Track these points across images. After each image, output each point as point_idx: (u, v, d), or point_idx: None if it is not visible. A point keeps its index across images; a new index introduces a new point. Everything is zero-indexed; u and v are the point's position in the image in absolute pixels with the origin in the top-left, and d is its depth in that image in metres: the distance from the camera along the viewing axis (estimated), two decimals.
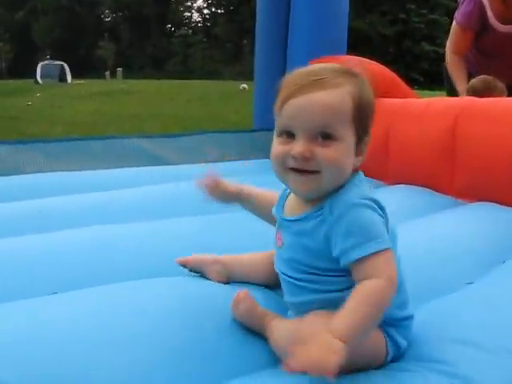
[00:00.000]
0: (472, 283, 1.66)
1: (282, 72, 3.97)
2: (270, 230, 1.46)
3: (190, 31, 49.77)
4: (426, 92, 15.28)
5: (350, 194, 1.16)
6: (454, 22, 3.84)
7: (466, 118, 2.66)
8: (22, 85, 23.01)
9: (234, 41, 45.85)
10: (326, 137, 1.14)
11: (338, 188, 1.18)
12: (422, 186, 2.75)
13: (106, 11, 49.88)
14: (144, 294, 1.43)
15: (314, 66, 1.23)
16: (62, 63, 29.50)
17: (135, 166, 3.10)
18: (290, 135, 1.17)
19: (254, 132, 3.70)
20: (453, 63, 3.86)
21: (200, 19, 52.41)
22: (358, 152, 1.19)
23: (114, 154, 3.09)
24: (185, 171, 3.12)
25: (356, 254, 1.12)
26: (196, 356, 1.24)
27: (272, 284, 1.51)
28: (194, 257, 1.57)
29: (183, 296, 1.43)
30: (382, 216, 1.17)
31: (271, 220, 1.41)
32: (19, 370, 1.11)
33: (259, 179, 3.07)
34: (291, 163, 1.16)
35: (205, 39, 47.50)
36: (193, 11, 52.61)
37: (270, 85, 3.95)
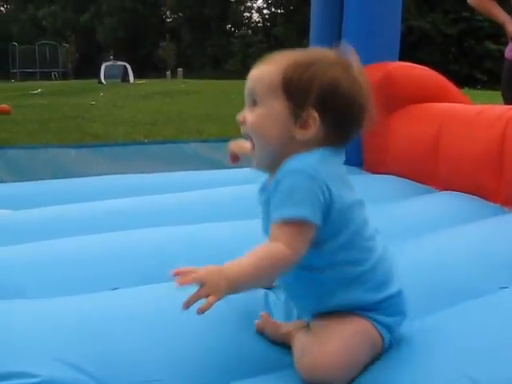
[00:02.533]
0: (506, 288, 1.71)
1: None
2: None
3: (250, 31, 50.01)
4: (490, 92, 14.91)
5: (292, 161, 1.24)
6: None
7: None
8: (87, 85, 23.69)
9: (294, 41, 45.76)
10: (254, 103, 1.31)
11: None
12: (470, 193, 2.80)
13: (168, 12, 50.73)
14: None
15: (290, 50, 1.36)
16: (125, 64, 30.18)
17: (195, 169, 3.25)
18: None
19: None
20: (481, 0, 3.83)
21: (260, 19, 52.64)
22: (301, 125, 1.27)
23: (173, 157, 3.25)
24: (240, 174, 3.27)
25: (272, 217, 1.22)
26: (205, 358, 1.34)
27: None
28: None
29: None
30: (317, 185, 1.20)
31: None
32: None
33: None
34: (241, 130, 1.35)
35: (264, 39, 47.66)
36: (253, 11, 52.86)
37: None
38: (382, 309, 1.30)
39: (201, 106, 14.46)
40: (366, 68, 3.56)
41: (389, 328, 1.32)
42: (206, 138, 3.90)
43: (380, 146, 3.43)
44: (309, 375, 1.23)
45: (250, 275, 1.18)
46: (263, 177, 1.39)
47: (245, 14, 52.22)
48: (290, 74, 1.28)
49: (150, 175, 3.06)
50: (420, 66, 3.54)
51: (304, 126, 1.27)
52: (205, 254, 1.91)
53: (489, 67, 35.66)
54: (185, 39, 46.43)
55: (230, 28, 50.43)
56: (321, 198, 1.20)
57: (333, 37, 3.75)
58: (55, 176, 2.79)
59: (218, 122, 10.58)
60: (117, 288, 1.65)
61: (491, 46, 38.40)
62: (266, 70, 1.31)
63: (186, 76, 34.15)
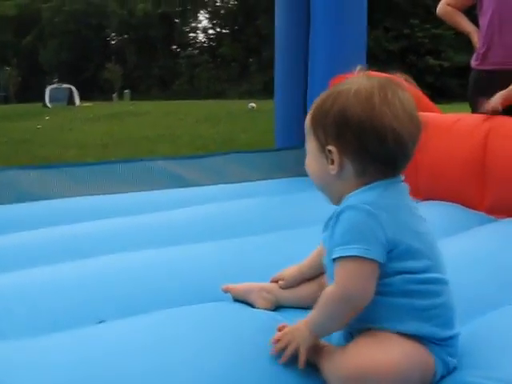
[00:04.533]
0: None
1: (303, 90, 3.97)
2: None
3: (196, 51, 50.08)
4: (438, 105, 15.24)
5: (351, 198, 1.23)
6: None
7: (497, 134, 2.65)
8: (31, 108, 23.16)
9: (240, 60, 46.09)
10: None
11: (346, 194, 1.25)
12: (452, 201, 2.73)
13: (112, 34, 50.29)
14: (188, 323, 1.41)
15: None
16: (70, 86, 29.71)
17: (162, 188, 3.09)
18: None
19: (277, 151, 3.68)
20: (448, 11, 3.83)
21: (205, 39, 52.78)
22: (330, 161, 1.26)
23: (139, 176, 3.08)
24: (213, 192, 3.13)
25: (333, 254, 1.21)
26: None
27: None
28: (241, 285, 1.56)
29: (225, 323, 1.41)
30: (376, 222, 1.18)
31: None
32: None
33: (284, 198, 3.08)
34: None
35: (210, 59, 47.77)
36: (198, 32, 52.97)
37: (290, 103, 3.98)
38: (447, 346, 1.26)
39: (151, 127, 14.31)
40: (337, 78, 3.52)
41: (447, 367, 1.26)
42: (173, 156, 3.73)
43: None
44: (355, 376, 1.15)
45: (317, 320, 1.24)
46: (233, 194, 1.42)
47: (190, 35, 52.28)
48: (315, 111, 1.30)
49: (119, 196, 2.88)
50: (390, 75, 3.47)
51: (331, 161, 1.26)
52: (187, 278, 1.78)
53: (431, 81, 36.65)
54: (130, 61, 46.08)
55: (176, 49, 50.35)
56: (380, 234, 1.18)
57: (299, 48, 3.68)
58: (17, 200, 2.57)
59: (171, 143, 10.48)
60: (103, 321, 1.47)
61: (432, 61, 39.55)
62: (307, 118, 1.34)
63: (133, 98, 33.91)
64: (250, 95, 35.19)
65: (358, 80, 1.26)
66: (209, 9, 51.95)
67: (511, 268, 1.84)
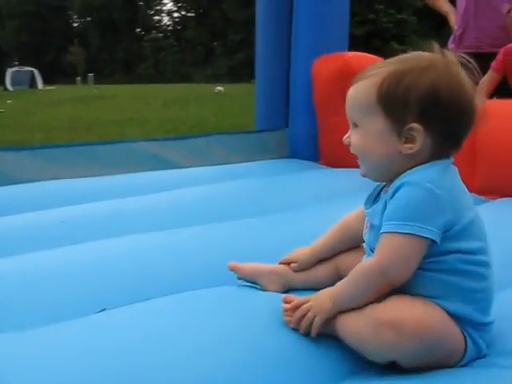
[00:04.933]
0: None
1: (285, 72, 3.89)
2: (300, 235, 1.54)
3: (161, 35, 49.44)
4: None
5: (413, 174, 1.19)
6: None
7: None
8: None
9: (205, 44, 45.71)
10: (354, 125, 1.28)
11: (406, 171, 1.21)
12: None
13: (75, 16, 49.23)
14: (197, 308, 1.35)
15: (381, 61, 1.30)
16: (32, 69, 29.06)
17: (145, 170, 3.00)
18: None
19: (259, 133, 3.62)
20: None
21: (170, 22, 52.13)
22: (406, 139, 1.20)
23: (121, 158, 2.99)
24: (197, 174, 3.06)
25: (382, 229, 1.19)
26: (261, 369, 1.16)
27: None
28: (249, 264, 1.49)
29: (240, 308, 1.35)
30: (436, 202, 1.15)
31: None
32: None
33: (266, 181, 3.03)
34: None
35: (175, 43, 47.25)
36: (163, 15, 52.31)
37: (272, 85, 3.91)
38: (483, 331, 1.23)
39: (118, 110, 14.08)
40: (321, 59, 3.46)
41: (479, 351, 1.23)
42: (155, 137, 3.63)
43: (339, 138, 3.28)
44: (391, 321, 1.13)
45: (345, 293, 1.22)
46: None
47: (155, 18, 51.56)
48: (385, 89, 1.21)
49: (101, 178, 2.78)
50: (373, 56, 3.44)
51: (409, 140, 1.21)
52: (187, 262, 1.72)
53: None
54: (94, 44, 45.24)
55: (140, 32, 49.61)
56: (439, 214, 1.15)
57: (281, 29, 3.62)
58: None
59: (140, 126, 10.32)
60: (104, 309, 1.39)
61: (396, 45, 39.81)
62: (360, 90, 1.26)
63: (97, 81, 33.33)
64: (216, 79, 34.97)
65: (417, 55, 1.24)
66: None
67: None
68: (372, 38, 40.13)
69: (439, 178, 1.17)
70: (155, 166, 3.07)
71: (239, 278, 1.49)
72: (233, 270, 1.48)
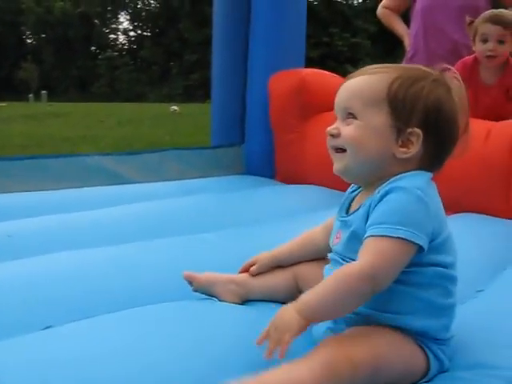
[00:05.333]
0: (482, 290, 1.64)
1: (242, 89, 3.88)
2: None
3: (116, 53, 49.09)
4: None
5: (401, 180, 1.17)
6: None
7: None
8: None
9: (161, 63, 45.59)
10: (350, 116, 1.22)
11: (392, 177, 1.19)
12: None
13: (28, 32, 48.49)
14: (147, 323, 1.30)
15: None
16: None
17: (97, 185, 2.93)
18: (336, 119, 1.28)
19: (214, 149, 3.59)
20: (385, 13, 3.93)
21: (126, 41, 51.86)
22: (402, 143, 1.20)
23: (73, 172, 2.91)
24: (149, 190, 3.00)
25: (369, 232, 1.14)
26: None
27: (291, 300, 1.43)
28: (206, 274, 1.44)
29: (193, 322, 1.31)
30: (426, 209, 1.14)
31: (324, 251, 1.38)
32: None
33: (221, 196, 2.99)
34: (329, 142, 1.27)
35: (131, 62, 46.97)
36: (118, 33, 52.00)
37: (228, 101, 3.89)
38: (445, 345, 1.22)
39: (72, 128, 13.85)
40: (278, 75, 3.46)
41: (442, 366, 1.21)
42: (108, 152, 3.56)
43: (296, 155, 3.29)
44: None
45: (320, 301, 1.11)
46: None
47: (110, 36, 51.21)
48: (396, 88, 1.21)
49: (52, 192, 2.70)
50: (330, 74, 3.47)
51: (405, 144, 1.20)
52: (139, 277, 1.66)
53: None
54: (48, 61, 44.58)
55: (96, 50, 49.17)
56: (428, 222, 1.14)
57: (238, 45, 3.61)
58: None
59: (93, 144, 10.17)
60: (50, 326, 1.32)
61: (350, 68, 40.60)
62: (368, 82, 1.23)
63: (50, 99, 32.78)
64: (171, 99, 34.83)
65: (425, 69, 1.26)
66: (130, 10, 51.11)
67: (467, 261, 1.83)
68: (326, 60, 40.80)
69: (427, 188, 1.17)
70: (108, 180, 3.00)
71: (195, 290, 1.44)
72: (188, 279, 1.43)
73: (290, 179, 3.32)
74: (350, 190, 1.36)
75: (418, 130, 1.19)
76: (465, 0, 3.46)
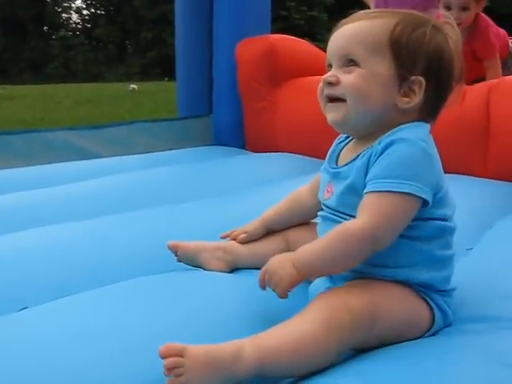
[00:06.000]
0: (472, 248, 1.63)
1: (207, 58, 3.80)
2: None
3: (70, 33, 47.93)
4: None
5: (404, 131, 1.12)
6: None
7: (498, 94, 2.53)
8: None
9: (117, 42, 44.74)
10: (351, 63, 1.15)
11: (392, 127, 1.14)
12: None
13: None
14: (130, 298, 1.24)
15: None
16: None
17: (61, 161, 2.82)
18: (330, 67, 1.21)
19: (182, 120, 3.50)
20: None
21: (79, 20, 50.62)
22: (404, 92, 1.15)
23: (36, 149, 2.79)
24: (117, 164, 2.90)
25: (371, 186, 1.09)
26: None
27: None
28: (190, 242, 1.37)
29: (180, 296, 1.25)
30: (430, 162, 1.11)
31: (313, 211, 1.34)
32: None
33: (192, 167, 2.91)
34: (324, 91, 1.19)
35: (86, 41, 45.94)
36: (71, 12, 50.71)
37: (194, 71, 3.80)
38: (448, 296, 1.20)
39: (28, 110, 13.45)
40: (245, 42, 3.38)
41: (446, 318, 1.19)
42: (72, 126, 3.44)
43: (266, 123, 3.23)
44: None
45: (320, 258, 1.07)
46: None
47: (63, 15, 49.91)
48: (399, 33, 1.15)
49: (15, 170, 2.59)
50: (299, 39, 3.40)
51: (407, 93, 1.15)
52: (122, 250, 1.60)
53: None
54: None
55: (48, 30, 47.92)
56: (432, 175, 1.11)
57: (203, 13, 3.51)
58: None
59: (52, 125, 9.91)
60: (25, 308, 1.24)
61: (309, 42, 40.51)
62: (368, 27, 1.16)
63: (3, 82, 31.95)
64: (129, 78, 34.27)
65: (424, 15, 1.21)
66: None
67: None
68: (285, 34, 40.59)
69: (429, 139, 1.14)
70: (74, 156, 2.90)
71: (179, 260, 1.38)
72: (172, 249, 1.37)
73: (261, 148, 3.26)
74: (337, 141, 1.31)
75: (420, 78, 1.14)
76: None
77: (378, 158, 1.10)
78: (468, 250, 1.61)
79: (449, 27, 1.21)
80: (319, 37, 41.38)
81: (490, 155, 2.52)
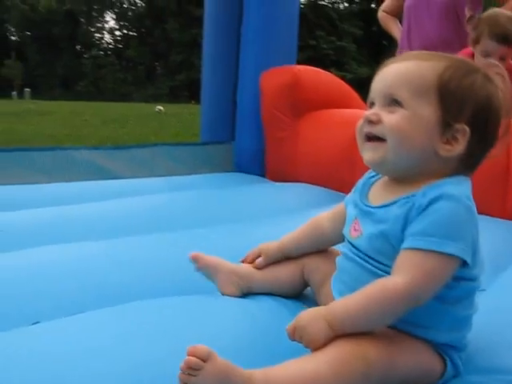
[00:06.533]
0: (484, 290, 1.62)
1: (232, 85, 3.85)
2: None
3: (101, 53, 48.83)
4: None
5: (450, 186, 1.08)
6: None
7: None
8: None
9: (146, 63, 45.45)
10: (395, 103, 1.12)
11: (436, 177, 1.10)
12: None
13: (13, 29, 48.06)
14: (141, 319, 1.25)
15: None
16: None
17: (84, 180, 2.87)
18: (372, 106, 1.17)
19: (204, 145, 3.54)
20: (383, 16, 3.96)
21: (111, 41, 51.60)
22: (447, 139, 1.10)
23: (60, 166, 2.85)
24: (138, 185, 2.94)
25: (415, 243, 1.05)
26: None
27: (295, 295, 1.41)
28: (211, 258, 1.39)
29: (189, 319, 1.26)
30: (474, 221, 1.08)
31: (330, 242, 1.35)
32: None
33: (212, 193, 2.94)
34: (364, 128, 1.15)
35: (117, 61, 46.75)
36: (104, 32, 51.73)
37: (218, 98, 3.85)
38: (460, 351, 1.17)
39: (56, 126, 13.73)
40: (269, 72, 3.42)
41: (457, 371, 1.16)
42: (97, 145, 3.51)
43: (287, 153, 3.26)
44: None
45: (356, 316, 1.03)
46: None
47: (96, 35, 50.91)
48: (448, 77, 1.11)
49: (37, 186, 2.64)
50: (323, 71, 3.44)
51: (450, 141, 1.10)
52: (131, 270, 1.61)
53: None
54: (32, 58, 44.23)
55: (81, 48, 48.86)
56: (475, 235, 1.08)
57: (230, 41, 3.57)
58: None
59: (78, 142, 10.07)
60: (37, 322, 1.27)
61: (335, 72, 40.65)
62: (416, 68, 1.12)
63: (33, 97, 32.53)
64: (156, 99, 34.75)
65: (483, 68, 1.16)
66: (116, 10, 50.87)
67: None
68: (312, 63, 40.80)
69: (471, 196, 1.10)
70: (96, 175, 2.95)
71: (198, 269, 1.39)
72: (193, 260, 1.38)
73: (281, 177, 3.28)
74: (368, 174, 1.27)
75: (465, 127, 1.09)
76: None
77: (422, 211, 1.06)
78: (480, 291, 1.60)
79: (499, 78, 1.15)
80: (346, 67, 41.74)
81: (510, 196, 2.51)
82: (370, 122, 1.13)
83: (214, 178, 3.33)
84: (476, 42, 2.87)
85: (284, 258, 1.38)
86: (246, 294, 1.37)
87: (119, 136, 11.59)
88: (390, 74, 1.14)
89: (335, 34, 42.98)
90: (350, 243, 1.20)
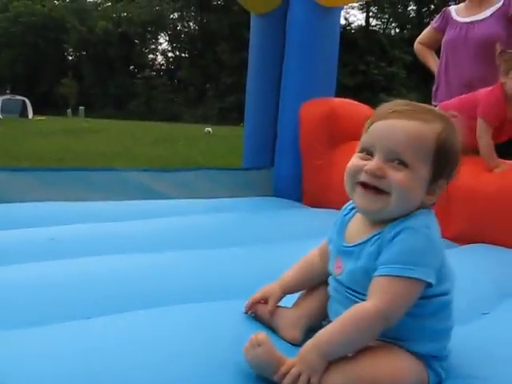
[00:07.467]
0: (488, 313, 1.74)
1: (274, 114, 4.04)
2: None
3: (154, 73, 49.98)
4: None
5: (414, 221, 1.21)
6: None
7: None
8: None
9: (197, 85, 46.26)
10: (401, 163, 1.21)
11: (404, 216, 1.22)
12: None
13: (70, 49, 49.78)
14: (175, 320, 1.44)
15: (414, 102, 1.31)
16: (24, 98, 29.23)
17: (132, 199, 3.11)
18: (369, 153, 1.25)
19: (246, 170, 3.75)
20: (419, 48, 4.06)
21: (164, 62, 52.84)
22: (430, 191, 1.24)
23: (110, 185, 3.10)
24: (182, 206, 3.17)
25: (383, 271, 1.18)
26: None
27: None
28: (270, 308, 1.42)
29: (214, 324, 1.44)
30: (437, 246, 1.21)
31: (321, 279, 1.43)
32: None
33: (249, 216, 3.14)
34: (362, 177, 1.23)
35: (168, 82, 47.78)
36: (157, 54, 53.01)
37: (260, 125, 4.06)
38: (442, 361, 1.29)
39: (107, 144, 14.15)
40: (309, 103, 3.61)
41: (439, 378, 1.29)
42: (146, 167, 3.76)
43: (322, 180, 3.43)
44: None
45: (337, 342, 1.16)
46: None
47: (149, 56, 52.25)
48: (443, 141, 1.23)
49: (88, 203, 2.88)
50: (359, 103, 3.62)
51: (431, 192, 1.25)
52: (164, 283, 1.81)
53: None
54: (87, 78, 45.64)
55: (134, 69, 50.15)
56: (439, 258, 1.21)
57: (272, 71, 3.78)
58: None
59: (129, 161, 10.40)
60: (89, 317, 1.48)
61: (385, 97, 40.47)
62: (420, 132, 1.23)
63: (87, 115, 33.49)
64: (206, 120, 35.29)
65: (446, 115, 1.29)
66: (169, 32, 52.14)
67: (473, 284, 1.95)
68: (362, 88, 40.95)
69: (434, 224, 1.24)
70: (144, 195, 3.18)
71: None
72: (250, 309, 1.45)
73: (316, 203, 3.45)
74: (343, 211, 1.38)
75: (444, 181, 1.25)
76: (484, 35, 3.55)
77: (388, 243, 1.19)
78: (483, 314, 1.73)
79: (459, 126, 1.28)
80: (396, 92, 41.44)
81: (453, 218, 2.67)
82: (376, 175, 1.21)
83: (253, 202, 3.52)
84: (506, 69, 2.96)
85: (284, 295, 1.44)
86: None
87: (168, 156, 11.90)
88: (396, 133, 1.22)
89: (385, 60, 42.97)
90: (335, 279, 1.33)
